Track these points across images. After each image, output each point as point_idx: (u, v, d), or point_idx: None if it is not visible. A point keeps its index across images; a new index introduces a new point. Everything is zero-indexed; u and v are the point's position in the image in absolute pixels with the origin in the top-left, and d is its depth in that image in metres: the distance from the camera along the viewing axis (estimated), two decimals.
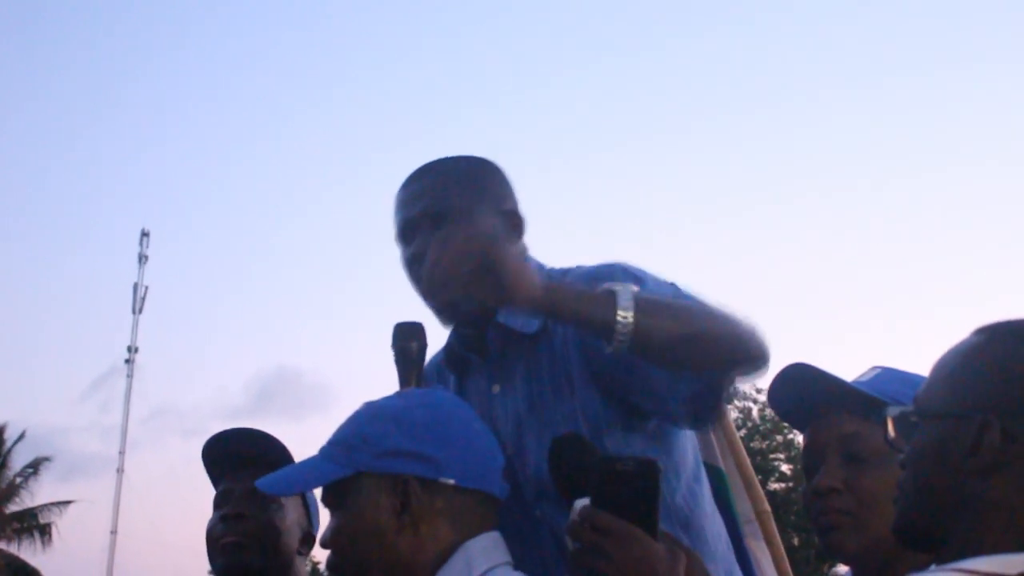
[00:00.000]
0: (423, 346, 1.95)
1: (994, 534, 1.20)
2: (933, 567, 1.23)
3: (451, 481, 1.56)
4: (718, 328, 1.75)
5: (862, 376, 1.75)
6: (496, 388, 2.00)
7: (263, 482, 1.65)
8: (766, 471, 27.32)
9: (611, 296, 1.65)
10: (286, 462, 2.18)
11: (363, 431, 1.60)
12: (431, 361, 2.13)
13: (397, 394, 1.72)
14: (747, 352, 1.78)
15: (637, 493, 1.43)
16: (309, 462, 1.64)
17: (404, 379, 1.92)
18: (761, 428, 28.53)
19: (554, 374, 1.93)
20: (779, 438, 28.51)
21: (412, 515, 1.54)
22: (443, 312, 1.93)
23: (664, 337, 1.68)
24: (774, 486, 26.79)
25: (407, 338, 1.94)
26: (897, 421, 1.35)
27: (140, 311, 29.98)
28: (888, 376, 1.73)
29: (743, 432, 27.68)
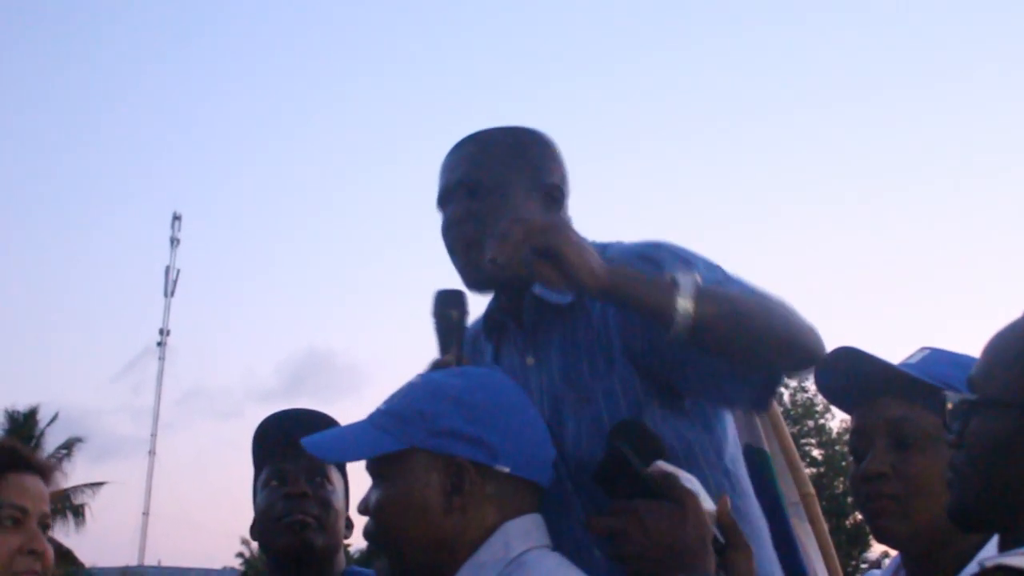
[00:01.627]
0: (464, 313, 1.95)
1: None
2: (996, 552, 1.23)
3: (506, 469, 1.55)
4: (776, 324, 1.76)
5: (909, 358, 1.74)
6: (531, 360, 2.00)
7: (311, 443, 1.63)
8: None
9: (673, 284, 1.67)
10: None
11: (421, 407, 1.58)
12: (468, 331, 2.12)
13: (456, 372, 1.71)
14: (802, 349, 1.79)
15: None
16: (359, 429, 1.62)
17: (444, 347, 1.91)
18: (792, 413, 28.42)
19: (591, 348, 1.93)
20: (810, 423, 28.41)
21: (463, 498, 1.53)
22: (478, 282, 1.97)
23: (723, 329, 1.69)
24: (806, 471, 26.66)
25: (448, 305, 1.93)
26: (957, 407, 1.32)
27: (172, 294, 30.25)
28: (937, 358, 1.71)
29: None
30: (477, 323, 2.15)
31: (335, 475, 2.27)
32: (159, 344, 30.52)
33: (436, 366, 1.87)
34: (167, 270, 30.68)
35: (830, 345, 1.77)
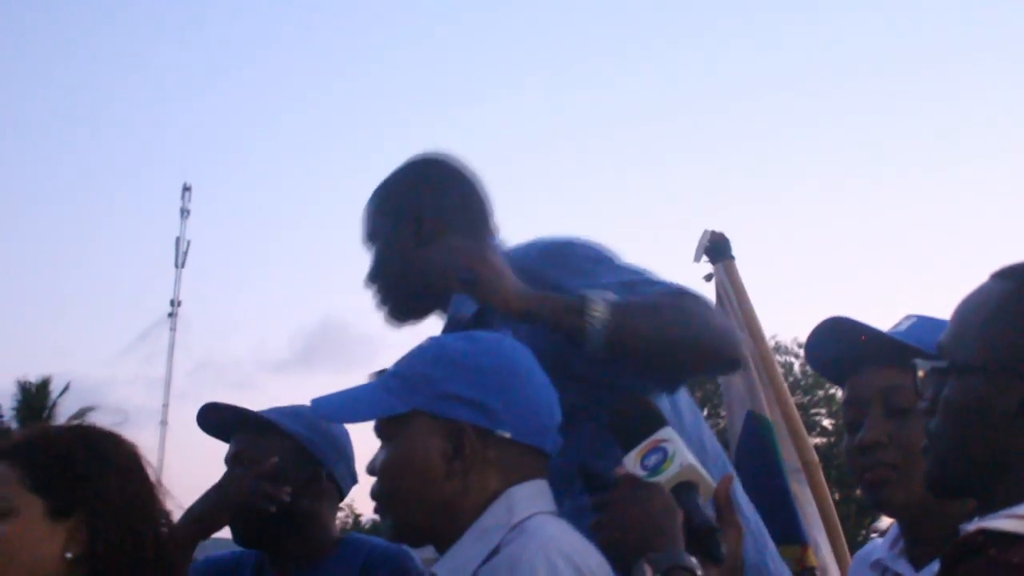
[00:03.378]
0: (474, 311, 2.03)
1: None
2: (977, 517, 1.22)
3: (507, 434, 1.55)
4: (692, 332, 1.83)
5: (897, 326, 1.73)
6: None
7: (320, 405, 1.65)
8: (807, 426, 27.09)
9: (583, 303, 1.76)
10: (263, 426, 2.23)
11: (425, 370, 1.59)
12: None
13: (465, 335, 1.71)
14: (718, 355, 1.89)
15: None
16: (367, 390, 1.64)
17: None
18: (803, 383, 28.39)
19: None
20: (820, 393, 28.39)
21: (464, 462, 1.54)
22: (387, 318, 2.19)
23: (637, 343, 1.79)
24: (815, 441, 26.50)
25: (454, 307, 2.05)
26: (929, 373, 1.31)
27: (182, 265, 30.19)
28: (924, 325, 1.69)
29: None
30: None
31: (271, 444, 2.22)
32: (170, 315, 30.53)
33: None
34: (177, 241, 30.65)
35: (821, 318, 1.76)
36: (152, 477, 1.84)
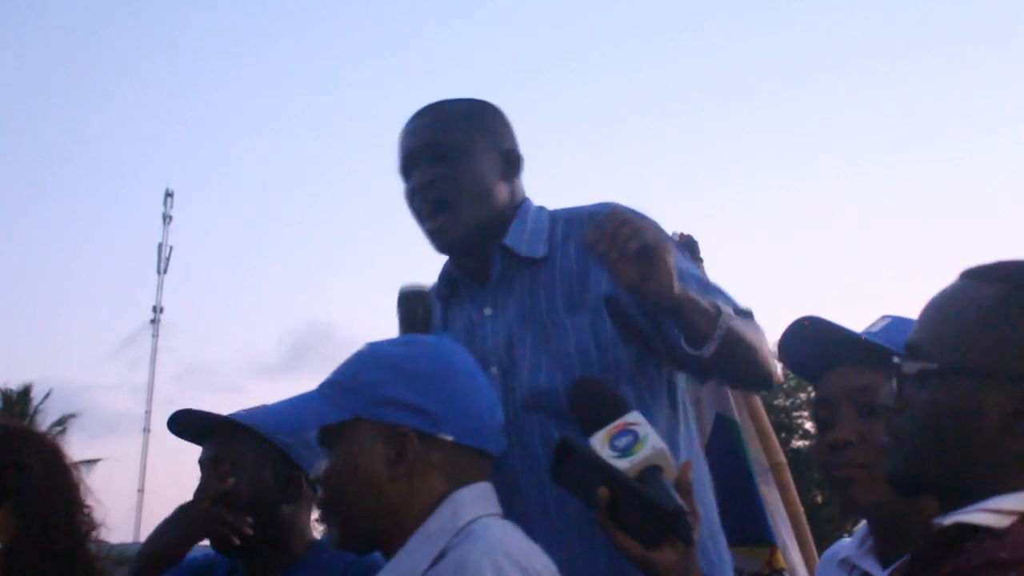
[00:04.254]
0: (428, 310, 2.01)
1: (1014, 477, 1.19)
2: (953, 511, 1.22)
3: (449, 437, 1.55)
4: (762, 359, 1.94)
5: (871, 326, 1.74)
6: (488, 310, 2.04)
7: (259, 416, 1.63)
8: (790, 428, 27.27)
9: (718, 313, 1.83)
10: (237, 430, 2.13)
11: (364, 376, 1.59)
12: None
13: (403, 340, 1.71)
14: (768, 377, 1.99)
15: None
16: (307, 399, 1.63)
17: None
18: (785, 386, 28.44)
19: (555, 294, 1.99)
20: (803, 395, 28.44)
21: (407, 467, 1.53)
22: (448, 244, 2.04)
23: (731, 363, 1.88)
24: (798, 443, 26.73)
25: (412, 302, 2.00)
26: (915, 374, 1.29)
27: (165, 271, 30.22)
28: (899, 325, 1.69)
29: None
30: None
31: (247, 448, 2.16)
32: (152, 322, 30.54)
33: None
34: (159, 247, 30.69)
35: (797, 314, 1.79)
36: (75, 476, 1.86)
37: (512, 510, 1.68)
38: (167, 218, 31.11)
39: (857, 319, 1.74)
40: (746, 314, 1.95)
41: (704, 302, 1.82)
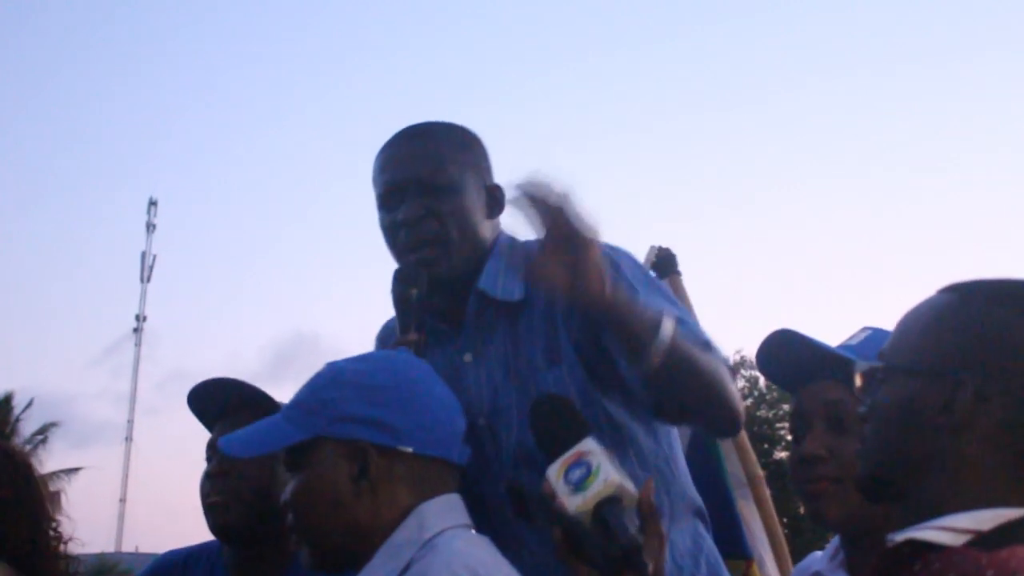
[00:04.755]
0: (422, 292, 1.90)
1: (967, 490, 1.21)
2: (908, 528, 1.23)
3: (409, 449, 1.56)
4: (725, 389, 1.80)
5: (851, 339, 1.74)
6: (468, 357, 1.96)
7: (224, 442, 1.64)
8: (772, 440, 27.33)
9: (656, 324, 1.68)
10: (273, 409, 2.00)
11: (322, 395, 1.60)
12: (386, 327, 2.11)
13: (361, 356, 1.70)
14: (733, 420, 1.86)
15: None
16: (271, 423, 1.64)
17: (404, 326, 1.90)
18: (768, 397, 28.52)
19: (536, 342, 1.91)
20: (786, 407, 28.47)
21: (370, 482, 1.54)
22: (435, 277, 1.91)
23: (677, 382, 1.73)
24: (780, 455, 26.77)
25: (407, 283, 1.90)
26: (866, 376, 1.35)
27: (148, 280, 30.12)
28: (878, 338, 1.68)
29: (750, 401, 27.67)
30: (391, 322, 2.08)
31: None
32: (135, 331, 30.43)
33: (398, 344, 1.87)
34: (143, 256, 30.62)
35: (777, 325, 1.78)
36: (41, 490, 1.87)
37: (515, 564, 1.62)
38: (151, 226, 31.09)
39: (856, 322, 1.74)
40: (705, 344, 1.82)
41: (646, 310, 1.71)
